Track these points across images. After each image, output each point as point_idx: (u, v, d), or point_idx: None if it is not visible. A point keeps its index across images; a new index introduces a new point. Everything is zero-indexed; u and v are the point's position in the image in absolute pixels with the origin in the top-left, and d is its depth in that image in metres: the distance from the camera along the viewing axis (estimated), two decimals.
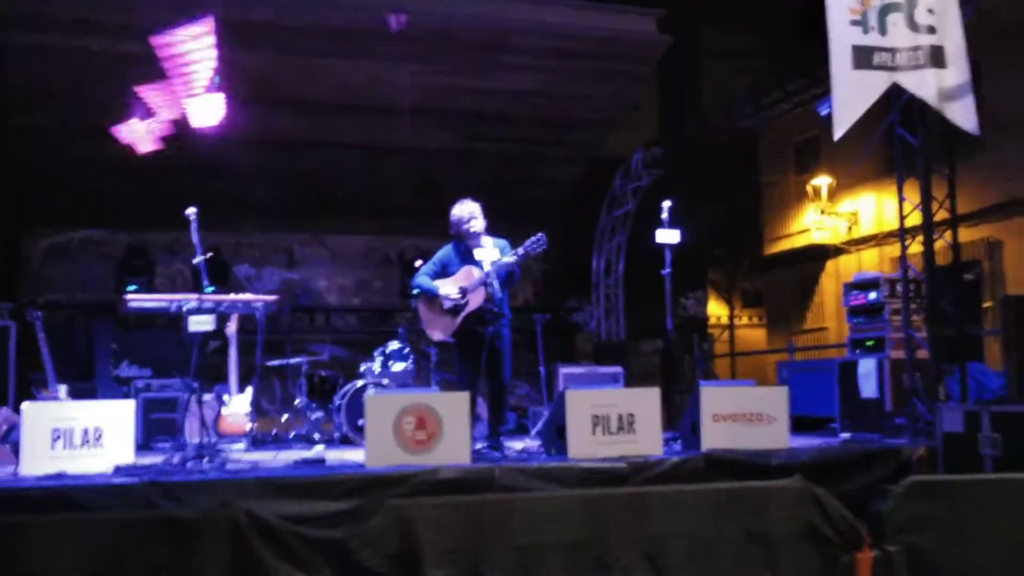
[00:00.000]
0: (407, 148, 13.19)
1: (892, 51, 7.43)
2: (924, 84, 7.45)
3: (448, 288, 7.11)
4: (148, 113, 10.76)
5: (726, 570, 5.27)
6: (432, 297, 7.16)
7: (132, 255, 13.34)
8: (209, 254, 6.87)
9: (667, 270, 7.82)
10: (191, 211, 6.63)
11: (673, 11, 12.80)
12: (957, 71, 7.47)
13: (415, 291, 7.36)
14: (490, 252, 7.12)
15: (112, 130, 11.02)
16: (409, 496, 5.38)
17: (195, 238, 6.66)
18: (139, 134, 11.83)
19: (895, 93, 7.76)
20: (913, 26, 7.48)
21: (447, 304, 7.08)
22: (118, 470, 5.79)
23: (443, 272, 7.25)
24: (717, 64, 15.38)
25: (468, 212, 7.19)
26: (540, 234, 7.02)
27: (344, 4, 11.39)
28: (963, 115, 7.43)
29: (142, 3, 10.79)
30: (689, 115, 14.07)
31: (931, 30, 7.47)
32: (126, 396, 9.52)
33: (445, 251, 7.35)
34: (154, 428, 9.09)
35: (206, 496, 5.21)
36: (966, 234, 12.88)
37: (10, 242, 12.84)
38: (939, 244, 8.23)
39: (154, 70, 10.98)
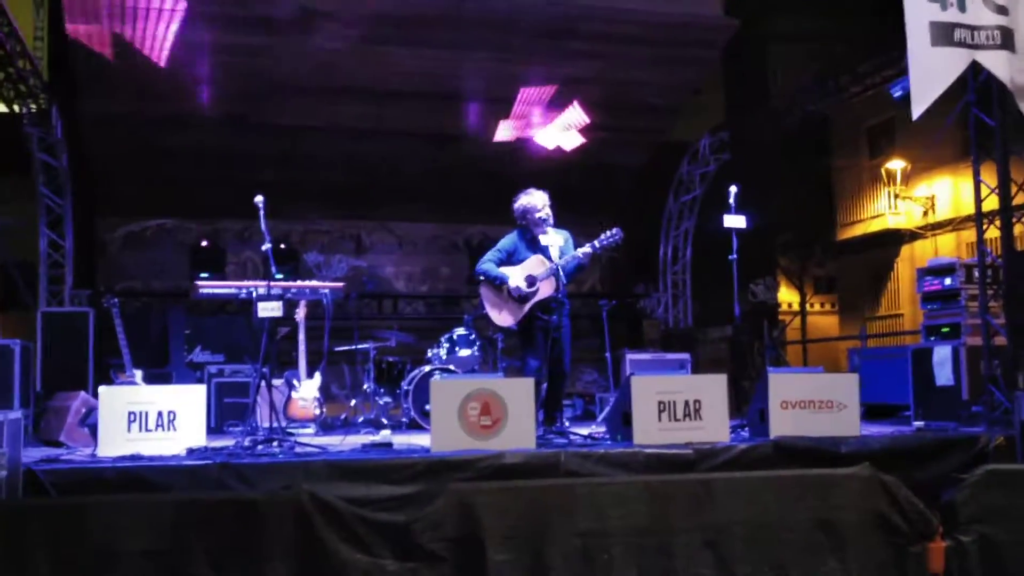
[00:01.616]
0: (472, 136, 13.21)
1: (972, 28, 7.23)
2: (1001, 64, 7.25)
3: (517, 277, 7.12)
4: None
5: (791, 558, 5.21)
6: (499, 285, 7.18)
7: (204, 243, 13.58)
8: (281, 245, 6.97)
9: (734, 256, 7.72)
10: (259, 199, 6.73)
11: None
12: (1023, 55, 7.28)
13: (480, 277, 7.38)
14: (554, 241, 7.12)
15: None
16: (474, 480, 5.41)
17: (263, 226, 6.76)
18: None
19: (971, 73, 7.55)
20: (990, 5, 7.29)
21: (515, 293, 7.10)
22: (191, 452, 5.92)
23: (508, 260, 7.27)
24: (785, 47, 15.08)
25: (538, 202, 7.22)
26: (616, 228, 7.01)
27: None
28: None
29: None
30: (756, 99, 13.83)
31: (1003, 11, 7.28)
32: (199, 381, 9.72)
33: (510, 239, 7.36)
34: (226, 412, 9.27)
35: (275, 478, 5.31)
36: None
37: (87, 230, 13.17)
38: (1018, 228, 8.02)
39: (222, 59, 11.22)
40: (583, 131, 13.51)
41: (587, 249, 7.02)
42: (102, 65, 11.46)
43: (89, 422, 7.11)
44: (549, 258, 7.03)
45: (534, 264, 7.14)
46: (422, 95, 12.37)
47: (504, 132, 13.30)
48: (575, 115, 13.28)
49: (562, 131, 13.46)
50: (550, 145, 13.50)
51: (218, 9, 11.13)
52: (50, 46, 11.54)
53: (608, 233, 7.01)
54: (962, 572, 5.41)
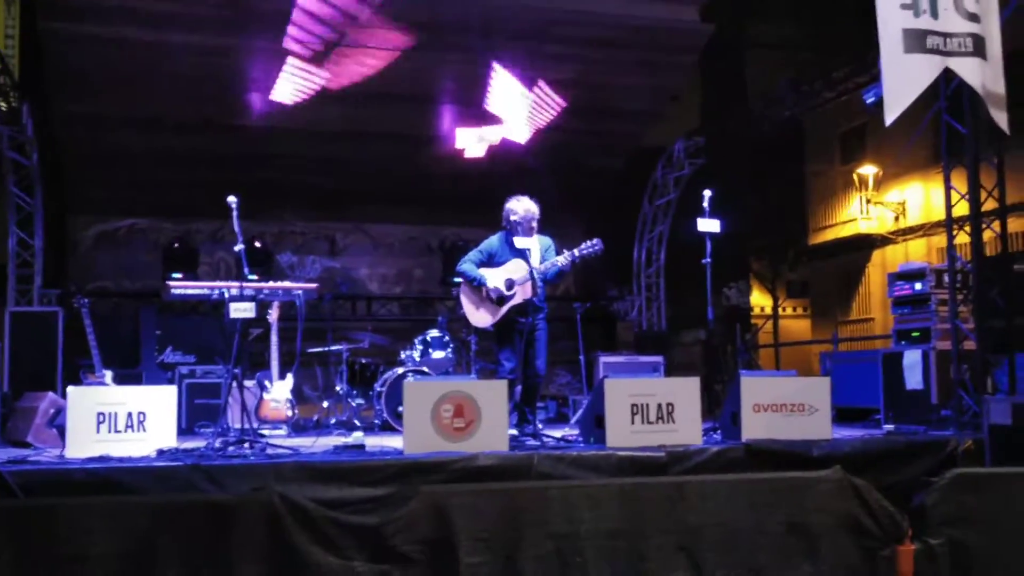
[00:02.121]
0: (448, 138, 13.19)
1: (944, 35, 7.28)
2: (973, 72, 7.32)
3: (495, 279, 7.18)
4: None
5: (763, 561, 5.24)
6: (477, 285, 7.22)
7: (177, 244, 13.48)
8: (256, 243, 6.94)
9: (708, 260, 7.76)
10: (232, 200, 6.70)
11: (716, 0, 12.68)
12: (995, 64, 7.36)
13: (459, 277, 7.40)
14: (533, 245, 7.18)
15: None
16: (447, 483, 5.39)
17: (236, 226, 6.72)
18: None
19: (943, 80, 7.62)
20: (962, 12, 7.35)
21: (494, 295, 7.14)
22: (161, 453, 5.88)
23: (489, 261, 7.33)
24: (760, 53, 15.22)
25: (518, 208, 7.28)
26: (596, 240, 7.08)
27: None
28: (996, 111, 7.33)
29: None
30: (732, 104, 13.91)
31: (975, 19, 7.34)
32: (170, 382, 9.65)
33: (492, 241, 7.43)
34: (197, 413, 9.22)
35: (246, 480, 5.27)
36: (1015, 224, 12.65)
37: (58, 230, 13.04)
38: (987, 234, 8.09)
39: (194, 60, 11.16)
40: (557, 130, 13.49)
41: (566, 259, 7.11)
42: (75, 64, 11.35)
43: (57, 423, 7.04)
44: (528, 262, 7.06)
45: (514, 267, 7.20)
46: (397, 97, 12.33)
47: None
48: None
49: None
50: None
51: (192, 9, 11.04)
52: (21, 44, 11.41)
53: (588, 243, 7.08)
54: (931, 575, 5.45)
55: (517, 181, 7.52)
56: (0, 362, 9.21)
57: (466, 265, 7.34)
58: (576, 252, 7.08)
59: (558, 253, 7.23)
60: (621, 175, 14.72)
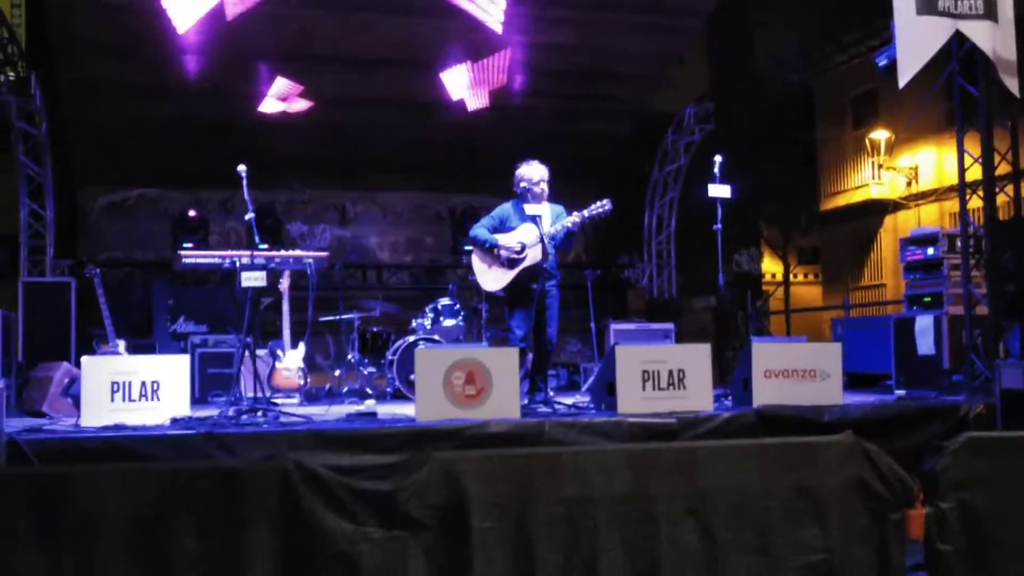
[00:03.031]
0: (452, 105, 13.12)
1: None
2: (984, 35, 7.26)
3: (507, 242, 7.22)
4: None
5: (773, 525, 5.26)
6: (489, 248, 7.27)
7: (187, 213, 13.49)
8: (263, 211, 6.94)
9: (718, 226, 7.73)
10: (241, 168, 6.70)
11: None
12: (1006, 28, 7.29)
13: (472, 242, 7.44)
14: (544, 211, 7.18)
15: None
16: (459, 450, 5.42)
17: (246, 195, 6.72)
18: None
19: (956, 43, 7.56)
20: None
21: (503, 256, 7.18)
22: (174, 422, 5.91)
23: (500, 227, 7.37)
24: (769, 17, 15.05)
25: (538, 175, 7.32)
26: (606, 200, 7.08)
27: None
28: (1008, 75, 7.27)
29: None
30: (740, 70, 13.80)
31: None
32: (183, 351, 9.70)
33: (504, 208, 7.46)
34: (210, 383, 9.27)
35: (259, 448, 5.31)
36: None
37: (68, 200, 13.06)
38: (1000, 199, 8.04)
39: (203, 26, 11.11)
40: (563, 97, 13.39)
41: (575, 218, 7.10)
42: (82, 33, 11.30)
43: (72, 392, 7.08)
44: (539, 226, 7.07)
45: (524, 232, 7.23)
46: (404, 63, 12.26)
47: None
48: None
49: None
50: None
51: None
52: (28, 13, 11.37)
53: (597, 204, 7.07)
54: (942, 539, 5.47)
55: (527, 148, 7.48)
56: (14, 333, 9.25)
57: (478, 230, 7.38)
58: (585, 213, 7.08)
59: (577, 232, 7.26)
60: (630, 141, 14.65)
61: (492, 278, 7.30)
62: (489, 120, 13.13)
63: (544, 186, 7.31)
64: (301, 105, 12.66)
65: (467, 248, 7.58)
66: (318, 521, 4.75)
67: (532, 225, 7.13)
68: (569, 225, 7.12)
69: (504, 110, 13.33)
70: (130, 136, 12.70)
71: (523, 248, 7.16)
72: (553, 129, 13.18)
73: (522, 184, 7.34)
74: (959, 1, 7.26)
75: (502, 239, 7.26)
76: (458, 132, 13.31)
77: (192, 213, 13.38)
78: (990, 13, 7.27)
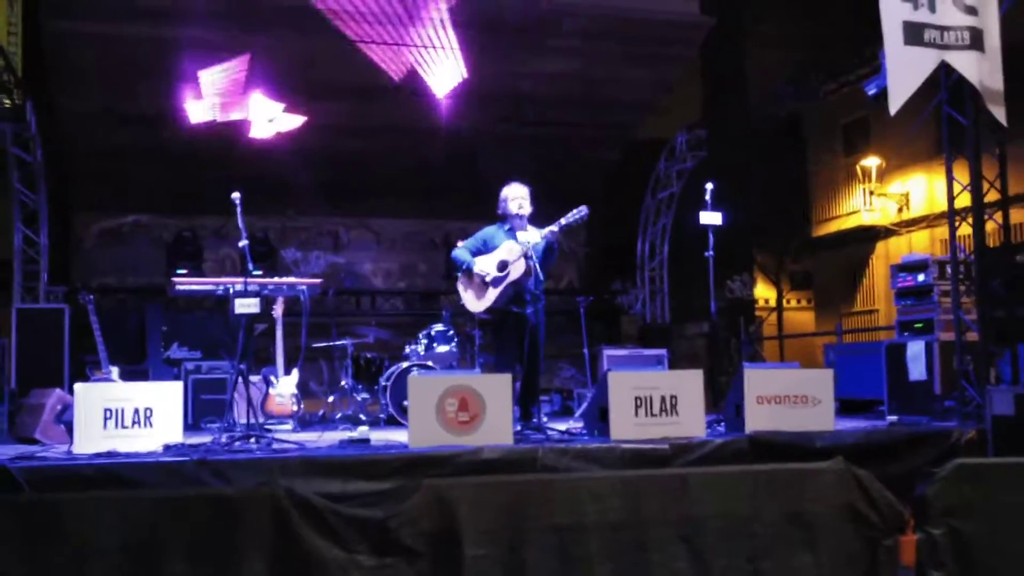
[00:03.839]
0: (449, 132, 13.20)
1: (942, 29, 7.33)
2: (970, 65, 7.35)
3: (485, 263, 7.17)
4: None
5: (765, 551, 5.26)
6: (467, 270, 7.24)
7: (181, 239, 13.51)
8: (257, 237, 6.96)
9: (710, 252, 7.77)
10: (236, 196, 6.73)
11: None
12: (993, 58, 7.38)
13: (452, 263, 7.43)
14: (531, 237, 7.16)
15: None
16: (452, 476, 5.42)
17: (240, 222, 6.75)
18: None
19: (944, 72, 7.64)
20: (959, 5, 7.38)
21: (487, 277, 7.14)
22: (167, 449, 5.90)
23: (484, 249, 7.32)
24: (761, 45, 15.19)
25: (519, 194, 7.30)
26: (582, 207, 7.05)
27: None
28: (995, 104, 7.35)
29: None
30: (733, 97, 13.91)
31: (973, 12, 7.38)
32: (176, 378, 9.68)
33: (487, 230, 7.43)
34: (203, 409, 9.23)
35: (252, 474, 5.31)
36: (1018, 215, 12.64)
37: (63, 226, 13.08)
38: (990, 225, 8.09)
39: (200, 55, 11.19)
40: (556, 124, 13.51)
41: (553, 228, 7.03)
42: (78, 60, 11.39)
43: (65, 419, 7.07)
44: (519, 240, 7.07)
45: (506, 249, 7.17)
46: (399, 91, 12.35)
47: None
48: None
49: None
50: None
51: (195, 6, 11.07)
52: (24, 41, 11.44)
53: (574, 211, 7.03)
54: (933, 565, 5.47)
55: (521, 175, 7.51)
56: (7, 359, 9.24)
57: (458, 251, 7.37)
58: (563, 220, 7.01)
59: (556, 245, 7.22)
60: (621, 168, 14.75)
61: (474, 298, 7.24)
62: (483, 147, 13.20)
63: (526, 204, 7.26)
64: (292, 123, 12.60)
65: (457, 273, 7.56)
66: (310, 548, 4.74)
67: (513, 241, 7.11)
68: (548, 235, 7.05)
69: (499, 137, 13.42)
70: (125, 163, 12.76)
71: (505, 266, 7.08)
72: (547, 156, 13.27)
73: (504, 204, 7.32)
74: (945, 32, 7.35)
75: (481, 260, 7.20)
76: (452, 159, 13.38)
77: (182, 239, 13.40)
78: (976, 44, 7.36)
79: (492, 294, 7.15)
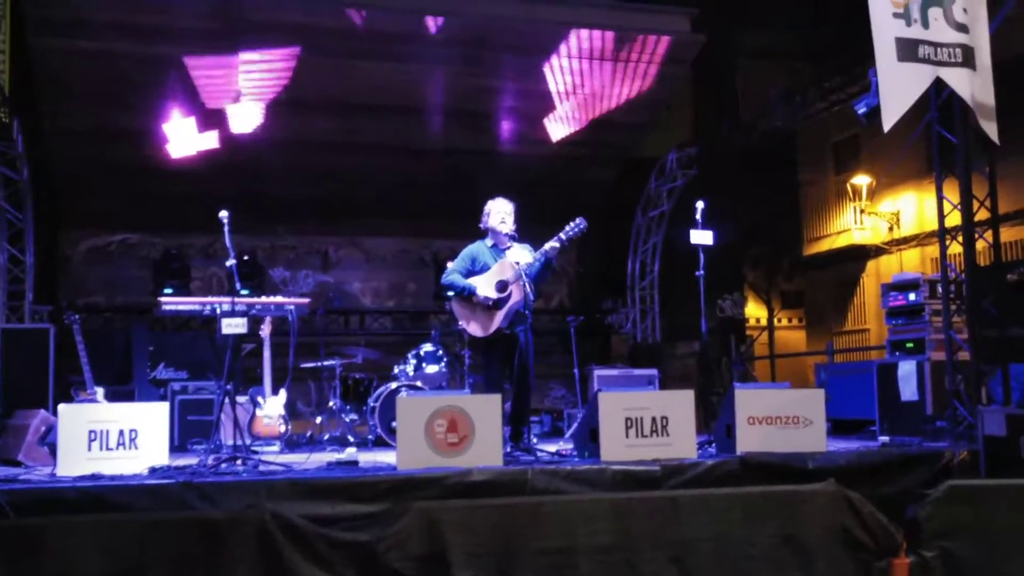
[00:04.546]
0: (440, 150, 13.19)
1: (935, 45, 7.36)
2: (963, 82, 7.36)
3: (485, 287, 7.02)
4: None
5: (757, 574, 5.22)
6: (467, 295, 7.05)
7: (169, 258, 13.44)
8: (244, 256, 6.91)
9: (701, 271, 7.75)
10: (223, 214, 6.68)
11: (707, 10, 12.71)
12: (984, 75, 7.40)
13: (449, 290, 7.27)
14: (521, 256, 7.08)
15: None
16: (441, 498, 5.37)
17: (228, 241, 6.69)
18: (182, 137, 12.14)
19: (933, 90, 7.66)
20: (951, 23, 7.40)
21: (487, 302, 6.99)
22: (153, 471, 5.84)
23: (473, 268, 7.17)
24: (752, 63, 15.25)
25: (502, 209, 7.18)
26: (580, 219, 6.98)
27: (378, 5, 11.42)
28: (986, 121, 7.37)
29: (174, 6, 10.92)
30: (724, 115, 13.94)
31: (964, 29, 7.40)
32: (162, 398, 9.58)
33: (472, 249, 7.29)
34: (190, 430, 9.15)
35: (239, 497, 5.24)
36: (1008, 234, 12.67)
37: (49, 245, 13.00)
38: (980, 244, 8.09)
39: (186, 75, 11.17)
40: (549, 143, 13.56)
41: (554, 244, 6.94)
42: (65, 78, 11.35)
43: (48, 441, 7.00)
44: (515, 262, 6.96)
45: (501, 269, 7.05)
46: (390, 109, 12.34)
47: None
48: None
49: None
50: None
51: (185, 23, 11.06)
52: (11, 59, 11.40)
53: (572, 224, 6.96)
54: None
55: (509, 193, 7.46)
56: None
57: (452, 276, 7.15)
58: (562, 235, 6.94)
59: (554, 261, 7.13)
60: (614, 186, 14.75)
61: (479, 324, 7.06)
62: (475, 166, 13.20)
63: (509, 220, 7.14)
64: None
65: (448, 295, 7.44)
66: (297, 573, 4.70)
67: (507, 261, 7.00)
68: (547, 250, 6.95)
69: (491, 155, 13.42)
70: (112, 181, 12.69)
71: (505, 287, 6.96)
72: (536, 175, 13.27)
73: (487, 219, 7.21)
74: (939, 49, 7.37)
75: (479, 283, 7.05)
76: (442, 177, 13.36)
77: (170, 256, 13.33)
78: (968, 61, 7.38)
79: (499, 317, 7.00)
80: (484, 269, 7.15)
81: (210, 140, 12.34)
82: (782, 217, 18.29)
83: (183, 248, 13.75)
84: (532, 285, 7.01)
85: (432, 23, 11.56)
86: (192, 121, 12.11)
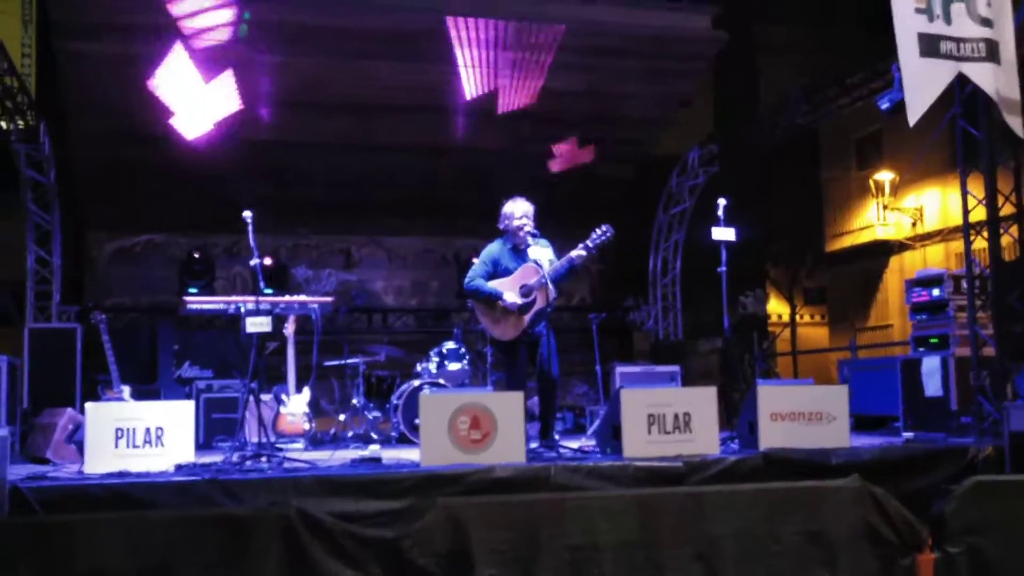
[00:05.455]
0: (460, 149, 13.23)
1: (958, 41, 7.31)
2: (987, 77, 7.31)
3: (510, 292, 7.00)
4: None
5: (781, 570, 5.21)
6: (494, 300, 7.02)
7: (193, 258, 13.55)
8: (267, 260, 6.94)
9: (723, 268, 7.73)
10: (247, 214, 6.72)
11: (728, 7, 12.68)
12: (1009, 69, 7.34)
13: (473, 295, 7.18)
14: (542, 255, 7.05)
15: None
16: (464, 495, 5.38)
17: (252, 241, 6.74)
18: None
19: (957, 85, 7.60)
20: (975, 17, 7.35)
21: (513, 308, 6.97)
22: (179, 468, 5.88)
23: (495, 271, 7.14)
24: (773, 60, 15.20)
25: (522, 211, 7.12)
26: (606, 226, 6.94)
27: (393, 6, 11.47)
28: (1011, 115, 7.31)
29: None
30: (745, 112, 13.90)
31: (988, 23, 7.35)
32: (188, 396, 9.66)
33: (493, 249, 7.24)
34: (215, 428, 9.23)
35: (264, 494, 5.28)
36: None
37: (76, 246, 13.14)
38: (1005, 239, 8.03)
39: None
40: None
41: (581, 252, 6.92)
42: (90, 81, 11.46)
43: (76, 439, 7.07)
44: (539, 264, 6.90)
45: (525, 273, 7.03)
46: (410, 108, 12.38)
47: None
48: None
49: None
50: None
51: (206, 24, 11.15)
52: (38, 63, 11.53)
53: (599, 231, 6.94)
54: None
55: (530, 192, 7.46)
56: (19, 379, 9.25)
57: (476, 281, 7.10)
58: (589, 243, 6.90)
59: (559, 256, 7.10)
60: (634, 184, 14.74)
61: (505, 327, 7.03)
62: (495, 164, 13.22)
63: (528, 222, 7.07)
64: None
65: (473, 295, 7.42)
66: (322, 568, 4.73)
67: (530, 265, 6.96)
68: (574, 257, 6.92)
69: (512, 154, 13.43)
70: (138, 182, 12.82)
71: (530, 292, 6.95)
72: (559, 172, 13.29)
73: (507, 221, 7.15)
74: (961, 44, 7.32)
75: (504, 289, 7.02)
76: (464, 176, 13.40)
77: (195, 256, 13.43)
78: (992, 56, 7.33)
79: (523, 320, 6.97)
80: (506, 272, 7.12)
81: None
82: (804, 213, 18.23)
83: (207, 248, 13.86)
84: (554, 286, 6.98)
85: (452, 24, 11.60)
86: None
